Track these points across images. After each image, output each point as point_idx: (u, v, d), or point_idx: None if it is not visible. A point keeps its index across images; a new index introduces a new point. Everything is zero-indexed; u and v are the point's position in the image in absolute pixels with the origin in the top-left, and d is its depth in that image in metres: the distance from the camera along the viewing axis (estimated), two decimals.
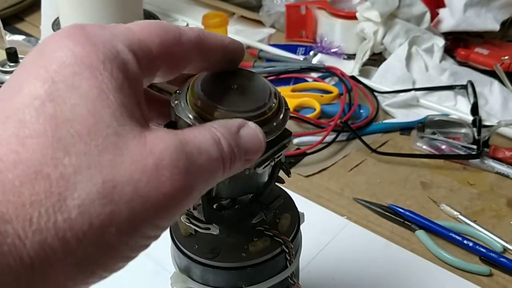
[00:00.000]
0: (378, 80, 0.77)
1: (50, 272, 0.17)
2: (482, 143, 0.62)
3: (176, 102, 0.26)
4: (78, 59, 0.19)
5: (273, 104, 0.27)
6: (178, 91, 0.27)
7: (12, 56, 0.72)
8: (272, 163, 0.29)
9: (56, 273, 0.18)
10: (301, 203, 0.38)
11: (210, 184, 0.22)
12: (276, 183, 0.35)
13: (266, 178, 0.33)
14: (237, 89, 0.27)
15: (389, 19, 0.79)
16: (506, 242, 0.52)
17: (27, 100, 0.19)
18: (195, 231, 0.33)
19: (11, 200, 0.17)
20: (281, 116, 0.28)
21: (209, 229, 0.31)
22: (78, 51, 0.19)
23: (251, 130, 0.24)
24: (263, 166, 0.28)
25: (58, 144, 0.18)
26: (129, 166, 0.19)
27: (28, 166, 0.18)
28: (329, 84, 0.77)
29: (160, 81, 0.24)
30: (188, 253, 0.34)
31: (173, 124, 0.27)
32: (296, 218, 0.36)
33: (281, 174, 0.34)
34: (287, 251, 0.34)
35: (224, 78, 0.28)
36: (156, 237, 0.20)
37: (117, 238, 0.18)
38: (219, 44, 0.25)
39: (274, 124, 0.27)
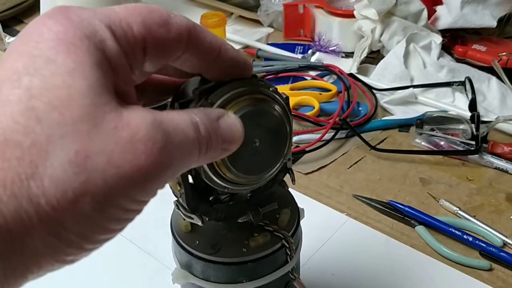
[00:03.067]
0: (376, 77, 0.78)
1: (27, 238, 0.18)
2: (480, 139, 0.62)
3: None
4: (55, 34, 0.20)
5: (274, 171, 0.30)
6: (208, 99, 0.26)
7: None
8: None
9: (34, 240, 0.18)
10: (301, 200, 0.38)
11: (185, 165, 0.22)
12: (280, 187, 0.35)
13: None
14: (257, 146, 0.28)
15: (386, 17, 0.79)
16: (506, 237, 0.52)
17: (5, 74, 0.19)
18: (195, 225, 0.33)
19: None
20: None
21: (191, 218, 0.31)
22: (56, 28, 0.20)
23: (230, 120, 0.24)
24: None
25: (31, 113, 0.18)
26: (103, 137, 0.19)
27: None
28: (327, 82, 0.77)
29: (151, 69, 0.24)
30: (189, 249, 0.34)
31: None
32: (296, 213, 0.36)
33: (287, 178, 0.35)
34: (287, 246, 0.34)
35: (250, 130, 0.27)
36: (135, 211, 0.20)
37: (92, 207, 0.18)
38: (214, 42, 0.24)
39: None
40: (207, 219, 0.32)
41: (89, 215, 0.18)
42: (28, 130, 0.18)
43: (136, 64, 0.22)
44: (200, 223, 0.31)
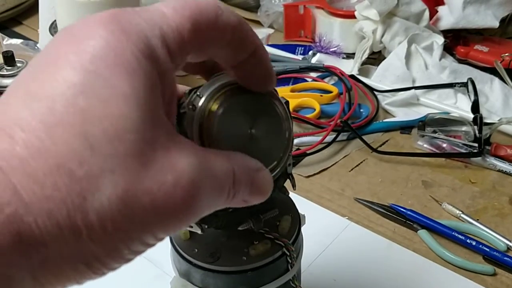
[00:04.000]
0: (378, 79, 0.77)
1: (61, 264, 0.18)
2: (483, 141, 0.62)
3: (190, 107, 0.26)
4: (112, 50, 0.19)
5: (280, 166, 0.29)
6: (197, 93, 0.26)
7: (9, 60, 0.71)
8: None
9: (66, 267, 0.18)
10: (302, 204, 0.38)
11: (209, 211, 0.22)
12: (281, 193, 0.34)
13: None
14: (252, 137, 0.27)
15: (388, 17, 0.79)
16: (510, 241, 0.51)
17: (60, 88, 0.18)
18: (194, 232, 0.33)
19: (35, 190, 0.17)
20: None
21: (191, 226, 0.31)
22: (112, 42, 0.19)
23: (268, 176, 0.25)
24: None
25: (85, 140, 0.18)
26: (150, 177, 0.19)
27: (51, 157, 0.17)
28: (328, 83, 0.77)
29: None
30: (188, 257, 0.33)
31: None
32: (297, 220, 0.36)
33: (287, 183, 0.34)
34: (288, 254, 0.33)
35: (244, 117, 0.27)
36: (152, 245, 0.21)
37: (123, 241, 0.19)
38: (252, 41, 0.24)
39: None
40: (206, 227, 0.31)
41: (118, 247, 0.19)
42: (83, 160, 0.18)
43: (177, 69, 0.22)
44: (199, 231, 0.31)
